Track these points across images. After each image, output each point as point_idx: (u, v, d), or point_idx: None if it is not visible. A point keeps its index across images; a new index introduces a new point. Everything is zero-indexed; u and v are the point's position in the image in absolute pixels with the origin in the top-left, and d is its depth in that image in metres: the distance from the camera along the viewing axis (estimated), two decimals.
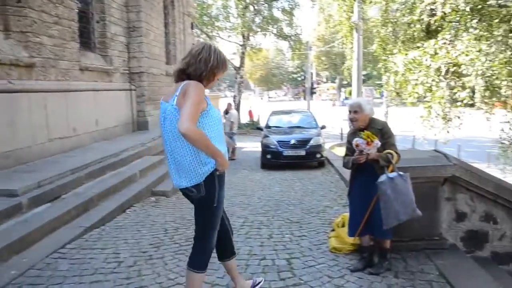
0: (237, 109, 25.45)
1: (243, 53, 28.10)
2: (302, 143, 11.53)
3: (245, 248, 4.64)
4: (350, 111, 3.77)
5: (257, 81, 71.18)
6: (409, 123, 13.46)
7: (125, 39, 11.62)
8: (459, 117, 7.71)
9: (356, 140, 3.63)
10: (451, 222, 4.33)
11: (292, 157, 11.38)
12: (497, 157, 9.61)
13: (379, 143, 3.62)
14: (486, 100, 7.47)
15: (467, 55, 6.52)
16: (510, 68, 6.26)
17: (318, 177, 10.00)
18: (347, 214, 4.46)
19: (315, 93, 41.71)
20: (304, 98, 40.65)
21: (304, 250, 4.51)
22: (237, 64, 28.48)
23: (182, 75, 2.81)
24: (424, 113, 7.86)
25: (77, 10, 8.80)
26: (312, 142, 11.57)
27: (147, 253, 4.54)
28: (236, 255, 3.40)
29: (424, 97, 7.34)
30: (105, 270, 4.06)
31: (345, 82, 53.10)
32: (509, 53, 6.22)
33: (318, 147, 11.66)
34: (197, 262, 2.94)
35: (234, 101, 26.57)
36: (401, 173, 3.55)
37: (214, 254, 3.14)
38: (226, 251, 3.27)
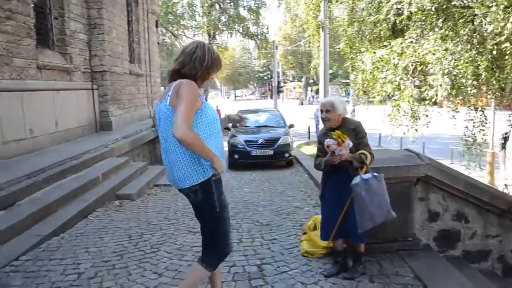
0: None
1: None
2: (270, 142, 11.42)
3: None
4: (322, 110, 3.63)
5: (224, 80, 70.79)
6: (375, 121, 13.59)
7: (86, 37, 11.14)
8: (427, 115, 7.76)
9: (327, 141, 3.48)
10: (424, 222, 4.28)
11: (260, 156, 11.25)
12: (462, 154, 9.74)
13: (351, 143, 3.48)
14: (452, 99, 7.55)
15: (434, 54, 6.54)
16: (474, 67, 6.30)
17: (287, 176, 9.90)
18: (318, 217, 4.33)
19: (282, 91, 41.85)
20: (271, 97, 40.70)
21: (275, 255, 4.35)
22: None
23: (176, 75, 2.74)
24: (392, 111, 7.86)
25: (32, 5, 8.32)
26: (280, 141, 11.48)
27: (110, 262, 4.27)
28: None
29: (393, 96, 7.33)
30: (63, 283, 3.77)
31: (311, 81, 53.57)
32: (474, 52, 6.26)
33: (287, 146, 11.58)
34: (208, 261, 2.88)
35: None
36: (375, 174, 3.44)
37: None
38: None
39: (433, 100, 6.77)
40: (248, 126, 12.67)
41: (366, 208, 3.36)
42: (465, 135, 9.63)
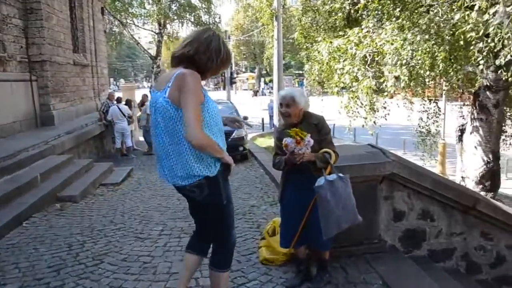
0: None
1: (159, 41, 26.76)
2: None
3: (164, 265, 3.99)
4: (281, 104, 3.27)
5: None
6: (330, 112, 13.47)
7: (21, 23, 10.20)
8: (385, 107, 7.61)
9: (284, 140, 3.10)
10: (389, 222, 4.04)
11: None
12: (416, 146, 9.78)
13: (312, 141, 3.13)
14: (407, 90, 7.43)
15: (392, 43, 6.35)
16: (432, 58, 6.16)
17: (242, 171, 9.54)
18: (278, 219, 4.00)
19: (235, 82, 41.36)
20: (224, 88, 40.14)
21: (232, 263, 3.97)
22: (154, 53, 27.18)
23: (185, 61, 2.52)
24: (350, 103, 7.66)
25: None
26: (234, 135, 11.07)
27: (43, 280, 3.73)
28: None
29: (350, 87, 7.11)
30: None
31: (264, 72, 53.39)
32: (432, 42, 6.11)
33: (241, 139, 11.21)
34: (220, 262, 2.80)
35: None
36: (341, 174, 3.13)
37: None
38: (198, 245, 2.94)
39: (391, 91, 6.60)
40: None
41: (332, 212, 3.05)
42: (419, 126, 9.66)
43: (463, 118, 9.34)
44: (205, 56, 2.50)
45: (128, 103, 14.22)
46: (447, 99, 13.25)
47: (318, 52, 7.74)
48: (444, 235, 4.23)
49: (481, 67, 5.65)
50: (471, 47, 5.82)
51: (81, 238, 4.93)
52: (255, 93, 50.47)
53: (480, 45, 5.35)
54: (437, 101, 9.60)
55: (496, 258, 4.53)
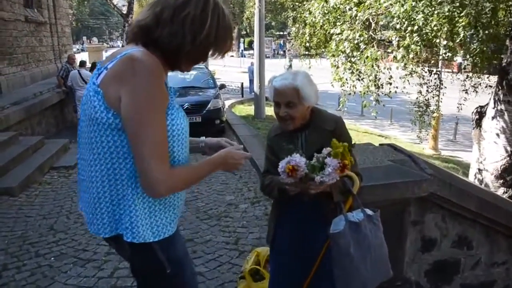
0: None
1: None
2: (198, 107, 9.70)
3: None
4: (278, 103, 2.06)
5: None
6: (316, 77, 12.22)
7: None
8: (390, 84, 6.44)
9: (291, 161, 1.81)
10: (416, 253, 2.97)
11: None
12: (413, 122, 8.74)
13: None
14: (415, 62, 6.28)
15: (402, 4, 5.11)
16: (451, 26, 4.98)
17: None
18: (264, 250, 2.90)
19: None
20: None
21: None
22: (125, 11, 25.16)
23: (142, 37, 1.46)
24: (345, 75, 6.46)
25: None
26: (209, 106, 9.81)
27: None
28: None
29: (350, 57, 5.89)
30: None
31: (244, 33, 51.23)
32: (452, 5, 4.90)
33: (218, 111, 9.96)
34: None
35: None
36: (369, 211, 2.00)
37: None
38: None
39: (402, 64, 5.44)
40: (171, 87, 10.77)
41: (355, 272, 1.94)
42: (418, 100, 8.58)
43: (466, 92, 8.28)
44: (170, 29, 1.42)
45: (93, 66, 12.61)
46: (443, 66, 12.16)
47: (310, 13, 6.45)
48: (482, 265, 3.20)
49: None
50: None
51: (2, 259, 3.75)
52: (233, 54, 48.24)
53: None
54: (439, 73, 8.47)
55: None
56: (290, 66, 18.50)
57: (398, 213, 2.70)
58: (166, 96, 1.44)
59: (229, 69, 32.25)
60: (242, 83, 20.33)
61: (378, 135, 13.02)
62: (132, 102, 1.34)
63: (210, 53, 1.55)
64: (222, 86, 11.58)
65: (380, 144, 3.26)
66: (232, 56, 47.31)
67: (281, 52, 48.89)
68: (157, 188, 1.39)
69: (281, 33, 49.34)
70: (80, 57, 15.66)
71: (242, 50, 48.49)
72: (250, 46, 45.96)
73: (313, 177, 1.80)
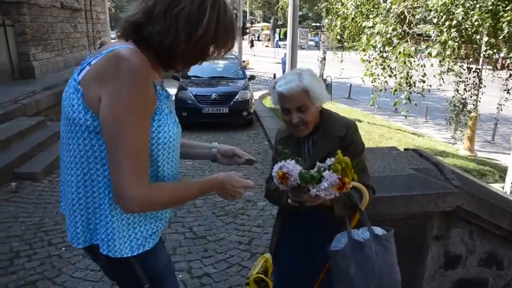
0: None
1: None
2: (226, 98, 9.57)
3: None
4: (288, 110, 1.85)
5: None
6: (348, 70, 11.88)
7: None
8: (424, 81, 6.09)
9: (282, 167, 1.61)
10: (437, 269, 2.73)
11: (213, 115, 9.43)
12: (448, 122, 8.30)
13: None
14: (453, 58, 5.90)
15: None
16: (495, 21, 4.59)
17: (243, 143, 8.20)
18: (269, 258, 2.73)
19: (247, 33, 39.14)
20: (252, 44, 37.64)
21: None
22: None
23: (132, 33, 1.30)
24: (376, 71, 6.16)
25: None
26: (237, 97, 9.66)
27: None
28: None
29: (382, 52, 5.59)
30: None
31: (280, 23, 50.70)
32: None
33: (245, 103, 9.79)
34: None
35: None
36: (378, 231, 1.79)
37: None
38: None
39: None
40: (199, 77, 10.70)
41: None
42: (454, 99, 8.14)
43: (508, 92, 7.79)
44: (161, 26, 1.25)
45: None
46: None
47: (342, 4, 6.16)
48: None
49: None
50: None
51: (16, 245, 3.74)
52: (252, 43, 47.37)
53: None
54: (478, 71, 7.99)
55: None
56: (324, 58, 18.07)
57: (419, 226, 2.46)
58: (153, 100, 1.29)
59: (263, 59, 32.04)
60: (275, 74, 20.11)
61: (411, 132, 12.52)
62: (111, 105, 1.19)
63: (209, 49, 1.38)
64: (252, 77, 11.39)
65: (405, 149, 3.00)
66: (267, 46, 46.97)
67: (314, 44, 48.08)
68: (128, 205, 1.25)
69: (318, 24, 48.44)
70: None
71: (277, 41, 48.03)
72: (285, 36, 45.44)
73: (308, 188, 1.61)
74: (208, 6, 1.27)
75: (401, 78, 5.64)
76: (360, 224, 1.83)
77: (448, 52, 5.12)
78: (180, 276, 3.26)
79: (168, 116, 1.36)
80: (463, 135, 8.63)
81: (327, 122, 1.91)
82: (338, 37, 7.31)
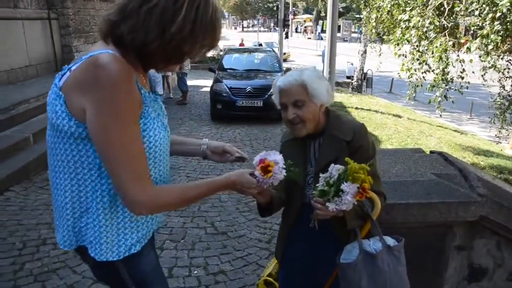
0: None
1: None
2: (261, 91, 9.48)
3: None
4: (285, 105, 1.79)
5: (231, 9, 66.82)
6: (390, 63, 11.49)
7: None
8: (462, 78, 5.78)
9: (279, 171, 1.44)
10: (460, 282, 2.56)
11: (247, 108, 9.38)
12: (492, 120, 7.87)
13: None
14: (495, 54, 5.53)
15: None
16: None
17: (276, 136, 8.14)
18: None
19: (288, 25, 38.74)
20: (287, 35, 37.13)
21: None
22: None
23: (110, 35, 1.24)
24: (413, 66, 5.89)
25: None
26: (271, 91, 9.56)
27: None
28: None
29: (417, 46, 5.33)
30: None
31: (323, 14, 49.94)
32: None
33: None
34: None
35: None
36: (389, 240, 1.68)
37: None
38: None
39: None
40: (235, 70, 10.68)
41: None
42: (500, 95, 7.70)
43: None
44: (132, 23, 1.19)
45: None
46: None
47: None
48: None
49: None
50: None
51: (44, 232, 3.87)
52: (286, 35, 46.62)
53: None
54: None
55: None
56: (365, 51, 17.61)
57: (438, 236, 2.31)
58: (138, 104, 1.25)
59: (305, 51, 31.69)
60: (314, 67, 19.78)
61: (454, 130, 11.98)
62: (97, 117, 1.17)
63: (192, 50, 1.31)
64: (288, 70, 11.26)
65: (431, 152, 2.83)
66: (310, 38, 46.37)
67: (357, 36, 46.97)
68: (138, 210, 1.27)
69: (361, 16, 47.46)
70: None
71: (319, 33, 47.34)
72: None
73: (324, 202, 1.53)
74: (185, 3, 1.19)
75: (437, 74, 5.36)
76: (370, 234, 1.73)
77: (490, 47, 4.81)
78: (196, 272, 3.26)
79: (155, 120, 1.33)
80: (508, 134, 8.15)
81: (334, 125, 1.80)
82: (374, 30, 7.06)
